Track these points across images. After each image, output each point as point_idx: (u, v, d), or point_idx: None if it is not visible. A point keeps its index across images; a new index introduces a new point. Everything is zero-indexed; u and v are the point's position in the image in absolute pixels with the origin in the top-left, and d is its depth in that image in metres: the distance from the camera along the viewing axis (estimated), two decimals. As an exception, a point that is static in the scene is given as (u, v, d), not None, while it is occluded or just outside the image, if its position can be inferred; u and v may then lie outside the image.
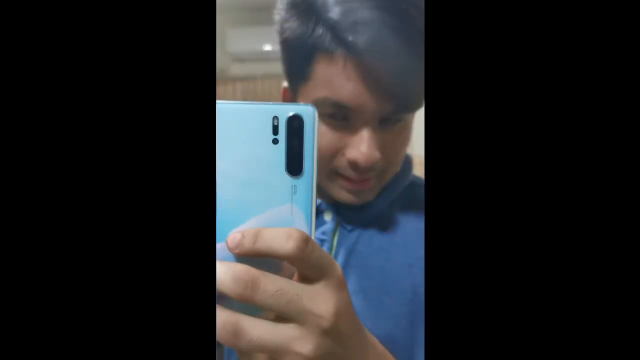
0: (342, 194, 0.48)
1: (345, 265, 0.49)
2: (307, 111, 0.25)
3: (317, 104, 0.43)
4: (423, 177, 0.48)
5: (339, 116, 0.43)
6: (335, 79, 0.41)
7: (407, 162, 0.57)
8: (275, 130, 0.25)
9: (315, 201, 0.26)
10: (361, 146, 0.42)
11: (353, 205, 0.51)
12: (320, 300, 0.24)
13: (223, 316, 0.24)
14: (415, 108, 0.45)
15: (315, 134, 0.26)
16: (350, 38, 0.39)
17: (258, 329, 0.24)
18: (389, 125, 0.44)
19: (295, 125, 0.25)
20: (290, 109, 0.25)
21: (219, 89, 2.90)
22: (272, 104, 0.25)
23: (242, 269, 0.24)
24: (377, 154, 0.43)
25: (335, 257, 0.50)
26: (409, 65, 0.41)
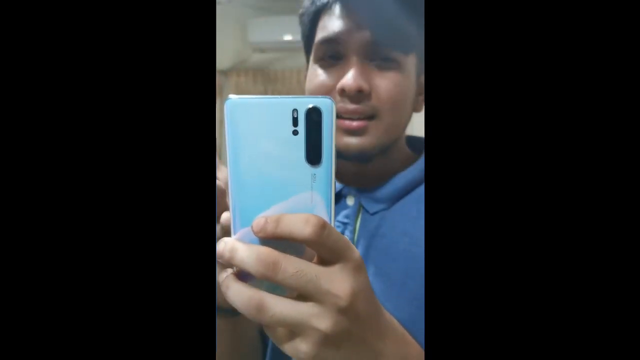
0: (339, 139, 0.50)
1: (369, 248, 0.50)
2: (325, 103, 0.27)
3: (316, 50, 0.50)
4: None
5: (333, 55, 0.49)
6: (327, 21, 0.49)
7: None
8: (295, 122, 0.26)
9: (334, 188, 0.28)
10: (348, 74, 0.47)
11: (374, 187, 0.52)
12: (337, 281, 0.26)
13: (249, 293, 0.25)
14: (402, 47, 0.48)
15: (333, 125, 0.27)
16: None
17: (280, 306, 0.25)
18: (379, 62, 0.48)
19: (313, 117, 0.26)
20: (309, 102, 0.27)
21: (240, 79, 2.91)
22: (291, 98, 0.27)
23: (265, 251, 0.25)
24: (363, 83, 0.47)
25: (358, 240, 0.51)
26: (390, 6, 0.45)
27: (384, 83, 0.48)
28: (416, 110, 0.54)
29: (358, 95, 0.47)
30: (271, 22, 2.73)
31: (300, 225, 0.25)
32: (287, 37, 2.71)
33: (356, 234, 0.51)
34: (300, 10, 0.53)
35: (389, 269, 0.48)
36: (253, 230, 0.26)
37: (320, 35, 0.49)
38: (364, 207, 0.52)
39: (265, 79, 3.05)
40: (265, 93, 3.14)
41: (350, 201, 0.53)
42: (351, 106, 0.47)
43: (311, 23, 0.51)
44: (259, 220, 0.26)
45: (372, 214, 0.52)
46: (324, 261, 0.27)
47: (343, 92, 0.47)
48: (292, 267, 0.25)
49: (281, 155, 0.27)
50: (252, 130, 0.27)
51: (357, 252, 0.27)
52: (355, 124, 0.48)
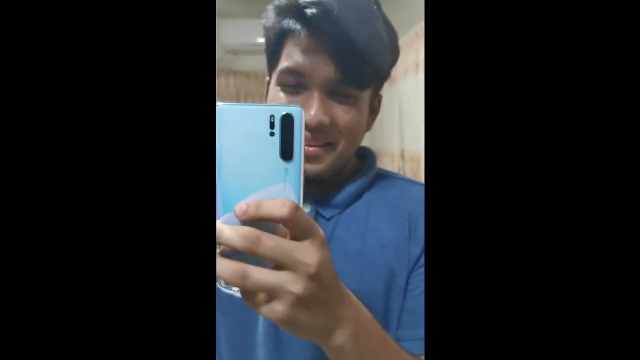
0: None
1: None
2: (296, 111, 0.33)
3: (280, 75, 0.52)
4: (393, 171, 0.59)
5: (297, 85, 0.51)
6: (295, 50, 0.50)
7: (372, 155, 0.65)
8: (271, 125, 0.32)
9: (303, 180, 0.33)
10: (311, 108, 0.50)
11: (328, 195, 0.58)
12: (306, 253, 0.31)
13: (234, 265, 0.30)
14: (361, 85, 0.51)
15: (302, 128, 0.33)
16: (307, 13, 0.48)
17: (260, 274, 0.30)
18: (339, 98, 0.51)
19: (287, 121, 0.32)
20: (283, 109, 0.33)
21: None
22: (269, 105, 0.33)
23: (247, 229, 0.30)
24: (324, 117, 0.50)
25: None
26: (357, 42, 0.48)
27: (343, 117, 0.52)
28: (367, 130, 0.60)
29: (318, 127, 0.51)
30: (244, 25, 2.75)
31: (278, 207, 0.30)
32: (261, 40, 2.73)
33: None
34: (265, 22, 0.54)
35: (346, 267, 0.53)
36: (236, 214, 0.31)
37: (285, 62, 0.51)
38: (320, 213, 0.58)
39: (238, 81, 3.07)
40: (238, 94, 3.17)
41: (306, 208, 0.58)
42: (312, 141, 0.52)
43: (277, 43, 0.52)
44: (241, 206, 0.31)
45: (328, 219, 0.57)
46: (295, 238, 0.32)
47: (305, 125, 0.49)
48: (271, 241, 0.30)
49: (260, 152, 0.32)
50: (236, 131, 0.32)
51: (321, 231, 0.33)
52: (311, 149, 0.52)
